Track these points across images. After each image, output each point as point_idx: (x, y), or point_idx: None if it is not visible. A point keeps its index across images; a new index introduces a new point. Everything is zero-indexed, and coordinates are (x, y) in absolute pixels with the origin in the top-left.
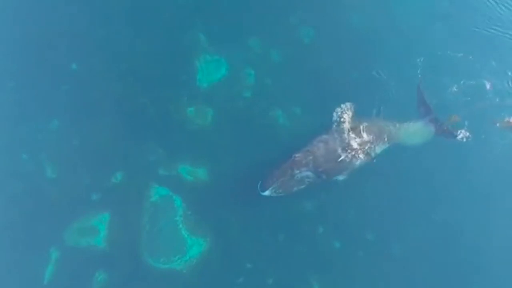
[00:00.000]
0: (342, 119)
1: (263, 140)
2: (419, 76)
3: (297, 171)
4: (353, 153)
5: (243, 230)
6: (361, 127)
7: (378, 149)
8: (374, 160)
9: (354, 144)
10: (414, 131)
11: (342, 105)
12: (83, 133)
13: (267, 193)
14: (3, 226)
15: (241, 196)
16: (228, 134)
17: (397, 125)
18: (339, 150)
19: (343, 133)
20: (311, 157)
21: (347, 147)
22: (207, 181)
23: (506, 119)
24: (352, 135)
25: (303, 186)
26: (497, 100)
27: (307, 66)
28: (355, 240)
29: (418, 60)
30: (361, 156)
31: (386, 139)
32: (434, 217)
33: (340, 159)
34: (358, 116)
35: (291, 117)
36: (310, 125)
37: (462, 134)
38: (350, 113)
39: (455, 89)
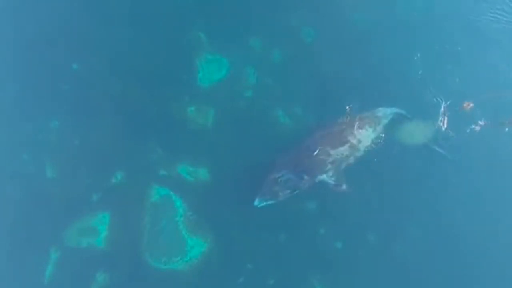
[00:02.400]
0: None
1: (264, 140)
2: (419, 75)
3: (278, 175)
4: (330, 148)
5: (244, 230)
6: (355, 120)
7: (365, 140)
8: (361, 155)
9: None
10: (414, 130)
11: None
12: (83, 133)
13: (256, 202)
14: (3, 226)
15: (242, 196)
16: (229, 134)
17: (383, 119)
18: (313, 145)
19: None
20: (287, 157)
21: (323, 140)
22: (208, 181)
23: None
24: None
25: (288, 191)
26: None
27: (308, 66)
28: (357, 241)
29: (415, 58)
30: (342, 149)
31: (370, 129)
32: (435, 217)
33: (316, 152)
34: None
35: (292, 116)
36: (311, 125)
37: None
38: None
39: (460, 82)
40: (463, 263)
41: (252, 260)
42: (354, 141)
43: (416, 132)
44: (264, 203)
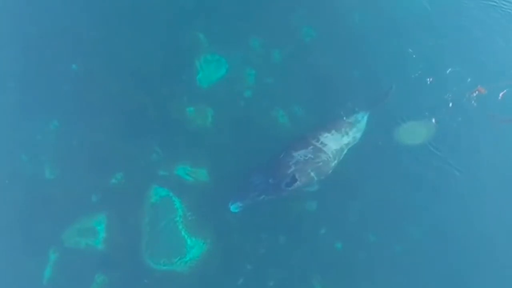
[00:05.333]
0: None
1: (264, 140)
2: (418, 73)
3: (255, 178)
4: (294, 151)
5: (243, 231)
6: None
7: (332, 144)
8: (331, 158)
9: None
10: (413, 130)
11: None
12: (83, 133)
13: (229, 205)
14: (2, 227)
15: None
16: (228, 134)
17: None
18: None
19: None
20: (263, 161)
21: (290, 143)
22: (207, 182)
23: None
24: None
25: (256, 193)
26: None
27: (308, 66)
28: (357, 241)
29: (414, 56)
30: (304, 152)
31: (337, 134)
32: (435, 217)
33: (281, 155)
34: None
35: (292, 117)
36: (311, 124)
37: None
38: None
39: (461, 78)
40: (463, 264)
41: (252, 261)
42: (318, 144)
43: (416, 132)
44: (236, 206)
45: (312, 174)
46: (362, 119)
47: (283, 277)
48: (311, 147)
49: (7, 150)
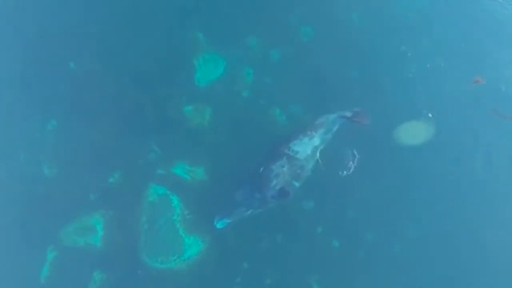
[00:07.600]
0: None
1: (262, 139)
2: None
3: (239, 194)
4: (271, 163)
5: (241, 229)
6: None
7: (303, 150)
8: (305, 164)
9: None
10: (411, 128)
11: None
12: (81, 132)
13: (215, 222)
14: (0, 226)
15: None
16: (226, 133)
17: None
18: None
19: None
20: (248, 175)
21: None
22: (205, 181)
23: None
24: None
25: (243, 209)
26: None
27: (306, 65)
28: (354, 240)
29: (409, 54)
30: (280, 163)
31: (305, 138)
32: (434, 217)
33: (261, 169)
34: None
35: (290, 116)
36: (309, 124)
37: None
38: None
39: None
40: (461, 263)
41: (249, 259)
42: (290, 153)
43: (414, 130)
44: (223, 223)
45: (294, 182)
46: (333, 122)
47: (280, 275)
48: (285, 157)
49: (6, 149)
